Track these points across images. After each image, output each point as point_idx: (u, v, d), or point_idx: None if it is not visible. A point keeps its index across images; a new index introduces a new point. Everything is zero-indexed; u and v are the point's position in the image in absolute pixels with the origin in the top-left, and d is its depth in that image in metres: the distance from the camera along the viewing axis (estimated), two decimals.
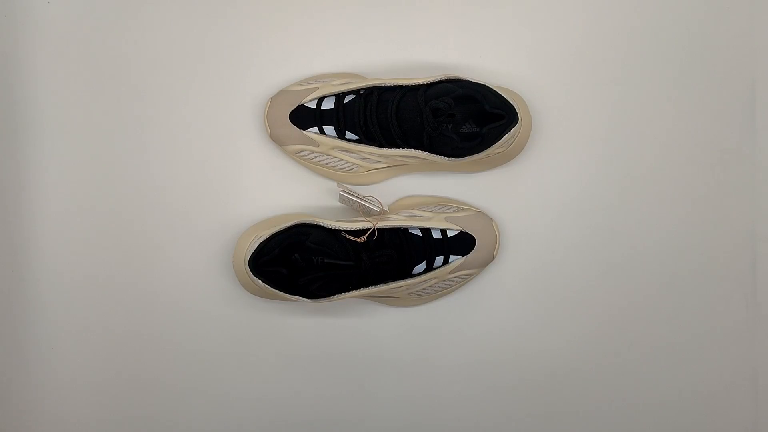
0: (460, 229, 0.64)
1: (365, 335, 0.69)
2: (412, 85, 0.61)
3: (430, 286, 0.65)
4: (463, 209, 0.66)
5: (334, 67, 0.68)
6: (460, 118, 0.60)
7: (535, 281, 0.69)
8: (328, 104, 0.63)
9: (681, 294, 0.69)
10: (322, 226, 0.61)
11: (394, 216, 0.64)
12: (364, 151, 0.63)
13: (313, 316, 0.69)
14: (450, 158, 0.61)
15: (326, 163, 0.66)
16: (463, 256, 0.64)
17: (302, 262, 0.61)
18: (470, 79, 0.61)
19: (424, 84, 0.60)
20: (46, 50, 0.69)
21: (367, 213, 0.65)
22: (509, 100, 0.60)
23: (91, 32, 0.69)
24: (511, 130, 0.60)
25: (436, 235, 0.64)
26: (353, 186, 0.67)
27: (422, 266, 0.63)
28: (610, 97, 0.68)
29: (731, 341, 0.69)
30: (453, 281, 0.66)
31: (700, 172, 0.68)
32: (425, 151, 0.61)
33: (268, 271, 0.61)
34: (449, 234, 0.64)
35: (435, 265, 0.64)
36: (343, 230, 0.61)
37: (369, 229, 0.61)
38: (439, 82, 0.60)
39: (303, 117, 0.64)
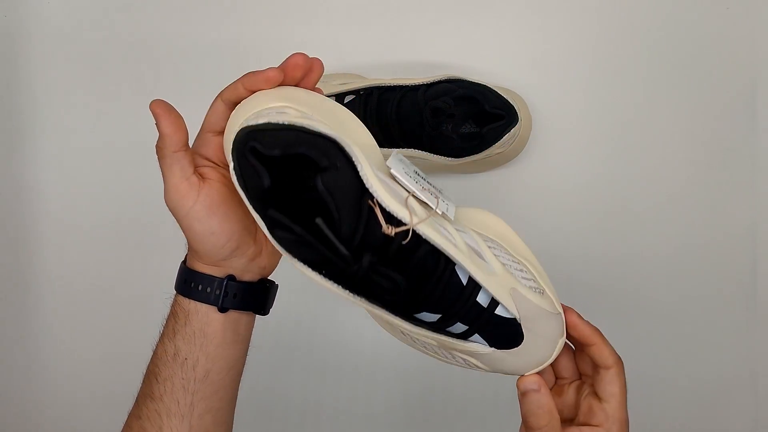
0: (517, 316, 0.41)
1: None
2: (412, 85, 0.61)
3: (425, 344, 0.44)
4: (547, 294, 0.43)
5: (334, 67, 0.68)
6: (460, 118, 0.60)
7: None
8: None
9: (681, 293, 0.69)
10: (353, 163, 0.38)
11: (450, 232, 0.41)
12: None
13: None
14: (450, 158, 0.61)
15: None
16: (490, 347, 0.42)
17: (291, 189, 0.39)
18: (470, 79, 0.61)
19: (424, 84, 0.60)
20: (46, 50, 0.69)
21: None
22: (509, 100, 0.60)
23: (91, 32, 0.69)
24: (511, 130, 0.60)
25: (482, 299, 0.41)
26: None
27: (432, 317, 0.41)
28: (610, 98, 0.68)
29: (731, 341, 0.69)
30: (455, 359, 0.44)
31: (700, 172, 0.68)
32: (425, 151, 0.61)
33: (249, 168, 0.38)
34: (498, 311, 0.41)
35: (448, 328, 0.42)
36: (378, 200, 0.37)
37: (404, 226, 0.38)
38: (439, 82, 0.60)
39: None
